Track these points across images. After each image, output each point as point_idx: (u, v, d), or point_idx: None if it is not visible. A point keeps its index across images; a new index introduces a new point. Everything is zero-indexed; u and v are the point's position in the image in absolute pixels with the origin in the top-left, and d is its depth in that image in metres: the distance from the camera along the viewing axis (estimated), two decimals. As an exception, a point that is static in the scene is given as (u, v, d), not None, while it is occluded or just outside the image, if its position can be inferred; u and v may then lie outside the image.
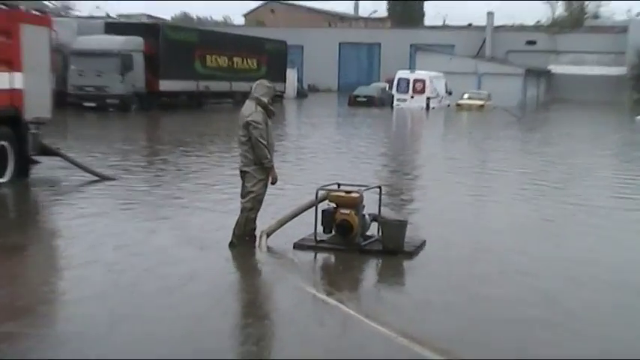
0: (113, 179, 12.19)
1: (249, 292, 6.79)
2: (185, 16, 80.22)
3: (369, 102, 42.31)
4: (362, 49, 67.02)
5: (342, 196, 7.91)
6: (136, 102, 30.24)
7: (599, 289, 6.85)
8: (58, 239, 8.57)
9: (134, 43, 30.75)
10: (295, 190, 11.01)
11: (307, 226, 8.04)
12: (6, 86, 11.30)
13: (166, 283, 6.53)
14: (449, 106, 42.10)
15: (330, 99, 52.02)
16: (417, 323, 5.69)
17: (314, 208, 7.93)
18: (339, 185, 8.27)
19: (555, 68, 60.92)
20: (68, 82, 29.31)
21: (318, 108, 40.75)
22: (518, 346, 5.32)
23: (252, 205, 7.74)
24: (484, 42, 62.53)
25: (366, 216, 8.03)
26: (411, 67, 47.88)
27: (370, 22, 79.98)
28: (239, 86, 35.39)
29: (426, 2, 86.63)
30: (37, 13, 12.29)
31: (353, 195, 7.88)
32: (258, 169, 7.69)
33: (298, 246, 7.83)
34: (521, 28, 66.81)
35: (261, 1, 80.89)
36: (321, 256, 7.74)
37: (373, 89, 46.09)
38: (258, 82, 7.92)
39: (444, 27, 71.27)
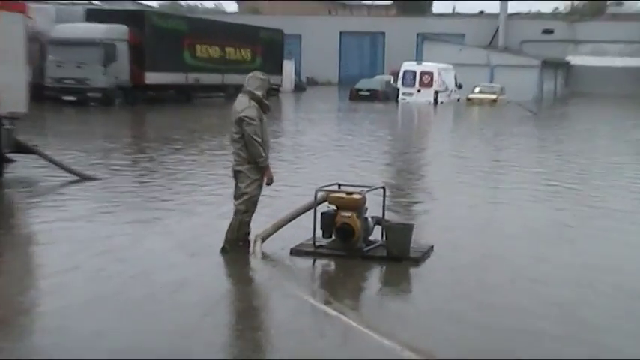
0: (95, 179, 12.22)
1: (242, 300, 6.81)
2: (173, 3, 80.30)
3: (372, 96, 42.37)
4: (364, 39, 67.16)
5: (343, 198, 7.91)
6: (119, 96, 30.30)
7: (618, 298, 6.89)
8: (36, 245, 8.59)
9: (118, 31, 30.76)
10: (292, 191, 11.04)
11: (305, 230, 8.07)
12: (-23, 78, 11.34)
13: (154, 291, 6.56)
14: (459, 100, 42.19)
15: (330, 93, 52.08)
16: (424, 335, 5.73)
17: (312, 210, 7.95)
18: (339, 186, 8.30)
19: (574, 59, 61.05)
20: (46, 73, 29.32)
21: (318, 102, 40.76)
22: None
23: (245, 207, 7.77)
24: (497, 31, 62.60)
25: (369, 219, 8.05)
26: (418, 59, 48.00)
27: (374, 9, 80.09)
28: (231, 79, 35.41)
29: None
30: (12, -2, 12.33)
31: (355, 196, 7.89)
32: (253, 169, 7.72)
33: (295, 252, 7.85)
34: (537, 16, 67.00)
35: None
36: (320, 262, 7.76)
37: (377, 82, 46.16)
38: (251, 74, 7.94)
39: (454, 15, 71.44)
